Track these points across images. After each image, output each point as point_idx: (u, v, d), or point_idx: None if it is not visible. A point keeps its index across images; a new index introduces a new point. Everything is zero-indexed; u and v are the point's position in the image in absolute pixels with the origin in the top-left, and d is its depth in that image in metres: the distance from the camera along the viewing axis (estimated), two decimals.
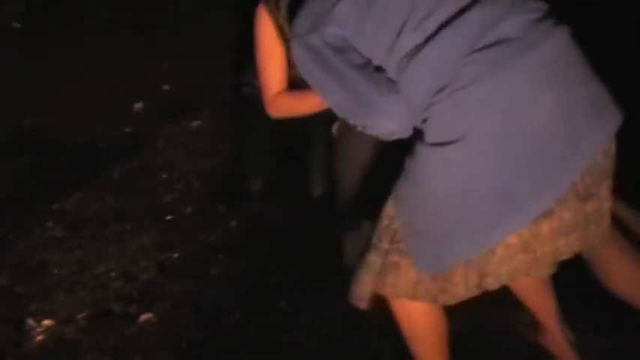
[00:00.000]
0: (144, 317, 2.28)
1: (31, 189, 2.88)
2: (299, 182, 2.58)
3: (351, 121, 1.65)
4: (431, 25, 1.54)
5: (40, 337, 2.22)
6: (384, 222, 1.65)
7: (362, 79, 1.58)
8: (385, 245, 1.64)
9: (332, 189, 2.39)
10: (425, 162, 1.55)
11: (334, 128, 2.28)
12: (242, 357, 2.13)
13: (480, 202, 1.51)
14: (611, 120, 1.59)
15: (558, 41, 1.54)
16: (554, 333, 1.96)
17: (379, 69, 1.58)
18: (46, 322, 2.26)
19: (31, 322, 2.26)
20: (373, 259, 1.67)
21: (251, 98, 2.58)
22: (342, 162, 2.27)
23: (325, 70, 1.62)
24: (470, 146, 1.49)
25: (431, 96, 1.51)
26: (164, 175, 2.94)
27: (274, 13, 2.27)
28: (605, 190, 1.64)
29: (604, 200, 1.64)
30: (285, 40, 2.27)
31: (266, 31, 2.29)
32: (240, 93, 2.74)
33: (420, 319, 1.76)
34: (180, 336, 2.21)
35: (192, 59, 3.67)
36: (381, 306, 1.74)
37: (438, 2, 1.55)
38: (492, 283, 1.61)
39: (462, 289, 1.62)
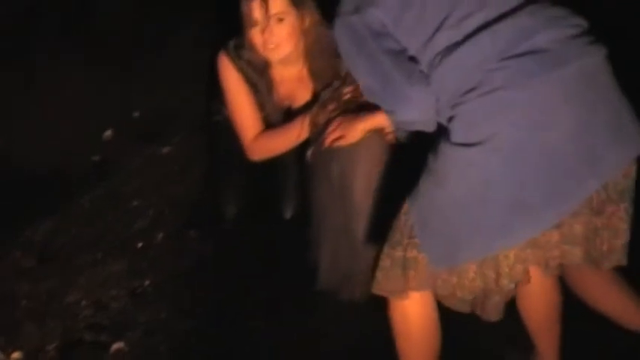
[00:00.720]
0: (115, 346, 2.25)
1: None
2: (271, 206, 2.58)
3: (380, 105, 1.71)
4: (469, 26, 1.59)
5: None
6: (402, 218, 1.72)
7: (394, 66, 1.63)
8: (406, 240, 1.70)
9: (305, 212, 2.40)
10: (447, 161, 1.60)
11: (308, 153, 2.30)
12: None
13: (495, 206, 1.57)
14: (633, 144, 1.64)
15: (590, 61, 1.59)
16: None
17: (412, 59, 1.64)
18: (15, 355, 2.23)
19: None
20: (399, 254, 1.72)
21: (221, 125, 2.59)
22: (316, 186, 2.28)
23: (360, 51, 1.68)
24: (491, 150, 1.54)
25: (459, 95, 1.57)
26: (135, 202, 2.92)
27: (235, 59, 2.34)
28: (622, 212, 1.68)
29: (619, 221, 1.68)
30: (251, 83, 2.35)
31: (231, 78, 2.37)
32: (210, 120, 2.75)
33: (415, 322, 1.81)
34: None
35: (161, 86, 3.66)
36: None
37: (479, 5, 1.61)
38: (507, 284, 1.68)
39: (479, 283, 1.68)
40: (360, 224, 2.18)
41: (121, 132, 3.35)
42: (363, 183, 2.16)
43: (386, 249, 1.76)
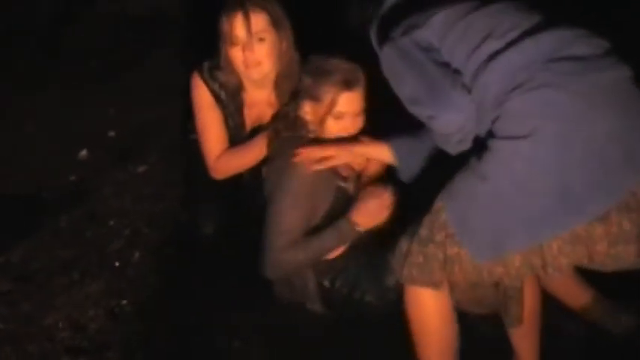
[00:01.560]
0: None
1: None
2: (248, 223, 2.59)
3: (421, 112, 1.82)
4: (514, 34, 1.75)
5: None
6: (433, 216, 1.82)
7: (441, 74, 1.78)
8: (439, 238, 1.80)
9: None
10: (493, 156, 1.70)
11: (264, 169, 2.34)
12: None
13: (540, 197, 1.66)
14: None
15: (621, 75, 1.73)
16: None
17: (457, 71, 1.78)
18: None
19: None
20: (433, 250, 1.82)
21: (197, 143, 2.60)
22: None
23: (408, 63, 1.82)
24: (537, 142, 1.64)
25: (504, 94, 1.69)
26: (111, 222, 2.92)
27: (208, 80, 2.40)
28: None
29: None
30: (222, 104, 2.42)
31: (202, 98, 2.43)
32: (186, 139, 2.76)
33: (431, 313, 1.90)
34: None
35: (137, 105, 3.67)
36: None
37: (520, 20, 1.78)
38: (553, 273, 1.77)
39: (526, 270, 1.77)
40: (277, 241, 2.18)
41: (96, 152, 3.35)
42: (286, 214, 2.16)
43: (416, 247, 1.85)
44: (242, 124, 2.51)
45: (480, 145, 1.77)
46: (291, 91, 2.30)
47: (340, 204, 2.23)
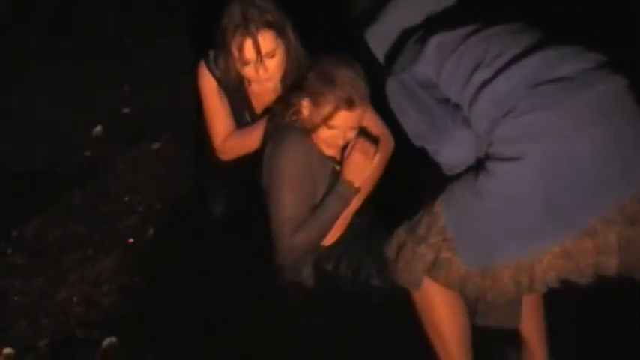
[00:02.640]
0: (107, 342, 2.27)
1: None
2: (258, 202, 2.59)
3: (425, 145, 1.86)
4: (502, 62, 1.78)
5: None
6: (432, 218, 1.85)
7: (442, 112, 1.82)
8: (434, 240, 1.84)
9: None
10: (487, 176, 1.75)
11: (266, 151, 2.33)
12: None
13: (530, 214, 1.71)
14: None
15: (613, 87, 1.73)
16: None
17: (456, 106, 1.82)
18: (7, 351, 2.24)
19: None
20: (423, 250, 1.85)
21: None
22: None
23: (410, 100, 1.87)
24: (525, 165, 1.70)
25: (495, 120, 1.74)
26: (125, 199, 2.94)
27: (214, 69, 2.42)
28: None
29: None
30: (228, 92, 2.44)
31: (207, 87, 2.45)
32: (199, 118, 2.76)
33: (439, 307, 1.94)
34: (145, 359, 2.21)
35: (151, 82, 3.67)
36: None
37: (507, 45, 1.80)
38: (540, 288, 1.81)
39: (512, 289, 1.81)
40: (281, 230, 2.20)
41: (111, 128, 3.36)
42: (285, 199, 2.17)
43: (410, 243, 1.88)
44: (249, 110, 2.53)
45: (477, 164, 1.81)
46: (295, 80, 2.30)
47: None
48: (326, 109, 2.14)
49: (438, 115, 1.81)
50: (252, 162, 2.53)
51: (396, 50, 2.01)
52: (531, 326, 2.10)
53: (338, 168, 2.28)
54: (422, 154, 1.98)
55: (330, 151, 2.24)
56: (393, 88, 1.92)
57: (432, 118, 1.82)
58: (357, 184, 2.22)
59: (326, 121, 2.15)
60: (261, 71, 2.28)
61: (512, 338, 2.13)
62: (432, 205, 1.86)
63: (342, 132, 2.18)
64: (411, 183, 2.33)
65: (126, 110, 3.52)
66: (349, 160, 2.21)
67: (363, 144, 2.23)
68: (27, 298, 2.46)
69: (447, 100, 1.83)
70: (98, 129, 3.37)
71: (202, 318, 2.33)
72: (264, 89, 2.41)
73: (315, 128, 2.18)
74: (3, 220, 2.81)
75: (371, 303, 2.28)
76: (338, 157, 2.29)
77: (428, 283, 1.90)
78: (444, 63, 1.85)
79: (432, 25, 1.95)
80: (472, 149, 1.80)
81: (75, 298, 2.45)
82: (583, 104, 1.70)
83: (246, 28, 2.23)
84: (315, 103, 2.16)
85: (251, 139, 2.44)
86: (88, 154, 3.21)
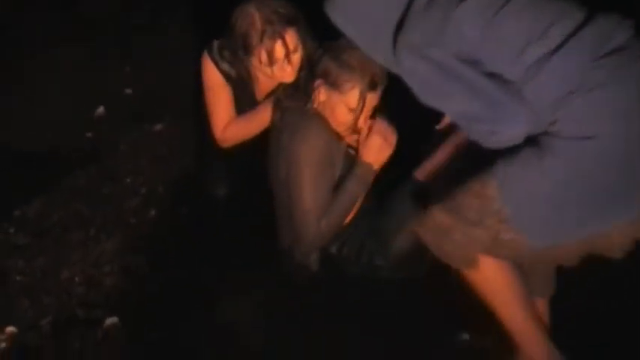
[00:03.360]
0: (109, 322, 2.27)
1: None
2: (261, 183, 2.60)
3: (476, 127, 1.79)
4: (556, 35, 1.72)
5: (3, 345, 2.20)
6: (484, 201, 1.81)
7: (496, 87, 1.73)
8: (489, 222, 1.81)
9: None
10: (555, 154, 1.72)
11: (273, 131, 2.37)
12: (208, 357, 2.15)
13: (604, 192, 1.73)
14: None
15: None
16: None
17: (508, 81, 1.73)
18: (10, 330, 2.25)
19: None
20: (479, 233, 1.83)
21: None
22: (270, 173, 2.38)
23: (452, 79, 1.76)
24: (601, 141, 1.68)
25: (561, 98, 1.69)
26: (128, 180, 2.94)
27: (218, 60, 2.45)
28: None
29: None
30: (232, 82, 2.47)
31: (211, 80, 2.48)
32: (201, 100, 2.76)
33: (492, 276, 1.91)
34: (146, 340, 2.22)
35: (154, 63, 3.65)
36: None
37: (557, 15, 1.74)
38: (616, 254, 1.83)
39: (575, 257, 1.86)
40: (302, 218, 2.23)
41: (113, 109, 3.35)
42: (308, 187, 2.20)
43: (460, 227, 1.85)
44: (254, 96, 2.55)
45: (532, 142, 1.77)
46: (302, 64, 2.31)
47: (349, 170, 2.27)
48: (351, 94, 2.15)
49: (492, 92, 1.73)
50: (255, 145, 2.54)
51: (385, 22, 1.88)
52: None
53: (351, 151, 2.28)
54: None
55: (346, 132, 2.25)
56: (417, 68, 1.81)
57: (485, 97, 1.73)
58: (375, 167, 2.24)
59: (351, 105, 2.15)
60: (288, 69, 2.29)
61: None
62: (479, 188, 1.83)
63: (365, 113, 2.20)
64: (408, 166, 2.34)
65: (128, 91, 3.51)
66: (369, 143, 2.23)
67: (381, 126, 2.23)
68: (29, 278, 2.46)
69: (495, 75, 1.74)
70: (100, 110, 3.36)
71: (203, 299, 2.34)
72: (274, 81, 2.41)
73: (333, 109, 2.19)
74: (5, 200, 2.81)
75: (375, 282, 2.31)
76: (351, 141, 2.29)
77: (483, 260, 1.89)
78: (484, 39, 1.75)
79: None
80: (530, 123, 1.74)
81: (77, 279, 2.46)
82: None
83: (273, 31, 2.24)
84: (339, 89, 2.16)
85: (250, 126, 2.48)
86: (90, 135, 3.21)
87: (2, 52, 3.71)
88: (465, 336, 2.20)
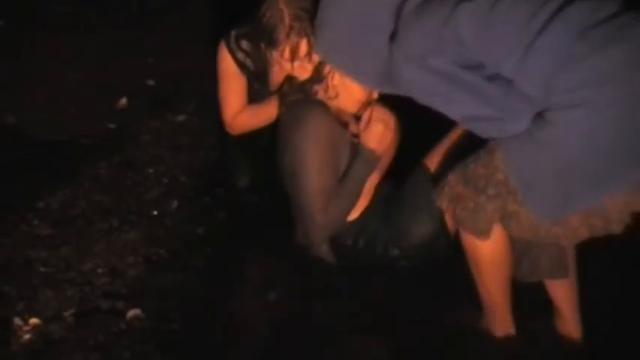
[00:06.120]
0: (131, 313, 2.26)
1: (15, 187, 2.85)
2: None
3: (481, 126, 1.86)
4: (537, 24, 1.76)
5: (26, 336, 2.20)
6: (490, 171, 1.87)
7: (500, 90, 1.79)
8: (493, 191, 1.88)
9: None
10: (554, 126, 1.75)
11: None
12: (231, 349, 2.13)
13: (601, 158, 1.75)
14: None
15: None
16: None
17: (509, 81, 1.79)
18: (33, 321, 2.24)
19: (17, 320, 2.23)
20: (483, 201, 1.90)
21: None
22: (277, 163, 2.37)
23: (458, 87, 1.82)
24: (593, 108, 1.71)
25: (552, 75, 1.74)
26: (150, 170, 2.93)
27: (235, 50, 2.49)
28: None
29: None
30: (248, 72, 2.51)
31: (227, 69, 2.53)
32: None
33: (484, 255, 1.98)
34: (169, 330, 2.21)
35: (175, 54, 3.66)
36: None
37: (539, 4, 1.78)
38: (617, 228, 1.84)
39: (584, 232, 1.86)
40: (309, 204, 2.23)
41: (136, 100, 3.35)
42: (313, 176, 2.20)
43: (469, 194, 1.91)
44: (268, 87, 2.58)
45: (536, 116, 1.80)
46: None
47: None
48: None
49: (497, 96, 1.80)
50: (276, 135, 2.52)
51: (375, 42, 1.96)
52: (563, 294, 2.12)
53: (356, 141, 2.28)
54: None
55: (362, 110, 2.27)
56: (420, 78, 1.86)
57: (495, 102, 1.80)
58: (379, 151, 2.25)
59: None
60: (308, 66, 2.29)
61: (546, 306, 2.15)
62: (487, 158, 1.88)
63: (370, 92, 2.23)
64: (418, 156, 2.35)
65: (150, 82, 3.51)
66: (370, 130, 2.25)
67: (381, 112, 2.26)
68: (52, 269, 2.46)
69: (497, 76, 1.80)
70: (123, 100, 3.36)
71: (225, 290, 2.33)
72: (288, 73, 2.41)
73: (349, 92, 2.22)
74: (29, 191, 2.81)
75: (392, 272, 2.31)
76: (355, 129, 2.29)
77: (497, 232, 1.93)
78: (479, 35, 1.80)
79: None
80: (531, 116, 1.80)
81: (100, 270, 2.45)
82: (631, 44, 1.72)
83: (300, 28, 2.23)
84: None
85: (259, 117, 2.53)
86: (112, 125, 3.21)
87: (25, 43, 3.73)
88: (484, 324, 2.16)
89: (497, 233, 1.94)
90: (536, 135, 1.79)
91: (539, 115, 1.79)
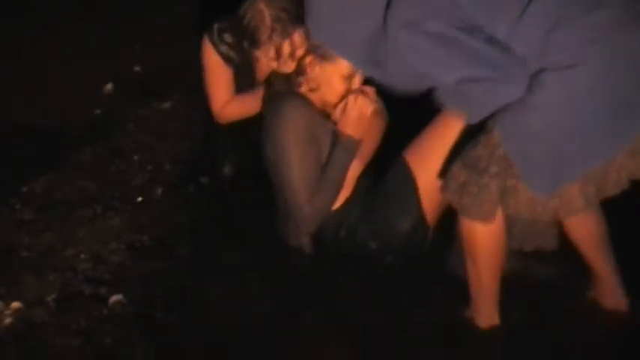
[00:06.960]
0: (114, 299, 2.26)
1: None
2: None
3: (475, 89, 1.84)
4: None
5: (8, 320, 2.19)
6: (490, 149, 1.88)
7: (498, 54, 1.79)
8: (495, 169, 1.88)
9: None
10: (542, 87, 1.77)
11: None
12: (213, 336, 2.14)
13: (596, 117, 1.76)
14: None
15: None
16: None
17: (502, 41, 1.79)
18: (15, 305, 2.24)
19: None
20: (486, 181, 1.90)
21: None
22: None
23: (455, 49, 1.81)
24: (582, 68, 1.74)
25: (545, 37, 1.76)
26: (135, 157, 2.92)
27: (217, 43, 2.53)
28: None
29: None
30: (232, 64, 2.55)
31: (210, 62, 2.57)
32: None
33: (482, 242, 1.98)
34: (151, 317, 2.21)
35: (163, 40, 3.65)
36: None
37: None
38: (612, 189, 1.88)
39: (581, 202, 1.88)
40: (292, 197, 2.23)
41: (121, 86, 3.34)
42: (295, 167, 2.20)
43: (472, 178, 1.91)
44: (254, 78, 2.60)
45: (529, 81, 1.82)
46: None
47: None
48: (342, 61, 2.17)
49: (497, 58, 1.80)
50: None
51: (366, 14, 1.93)
52: (600, 259, 2.11)
53: (335, 128, 2.29)
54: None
55: (335, 100, 2.27)
56: (416, 44, 1.84)
57: (490, 63, 1.80)
58: (356, 137, 2.25)
59: (344, 71, 2.21)
60: (292, 64, 2.30)
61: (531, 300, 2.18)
62: (485, 138, 1.89)
63: (358, 77, 2.24)
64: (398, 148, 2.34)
65: (137, 69, 3.49)
66: (345, 116, 2.24)
67: (359, 99, 2.24)
68: (35, 254, 2.46)
69: (493, 39, 1.80)
70: (109, 86, 3.35)
71: (209, 278, 2.33)
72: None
73: (329, 81, 2.24)
74: (12, 175, 2.80)
75: (370, 264, 2.31)
76: (335, 118, 2.30)
77: (500, 217, 1.94)
78: (478, 1, 1.81)
79: None
80: (527, 82, 1.80)
81: (83, 255, 2.45)
82: (621, 8, 1.76)
83: (282, 30, 2.26)
84: (329, 59, 2.21)
85: (247, 107, 2.57)
86: (98, 111, 3.20)
87: (13, 29, 3.70)
88: (466, 315, 2.17)
89: (496, 217, 1.95)
90: (527, 100, 1.80)
91: (532, 81, 1.80)
